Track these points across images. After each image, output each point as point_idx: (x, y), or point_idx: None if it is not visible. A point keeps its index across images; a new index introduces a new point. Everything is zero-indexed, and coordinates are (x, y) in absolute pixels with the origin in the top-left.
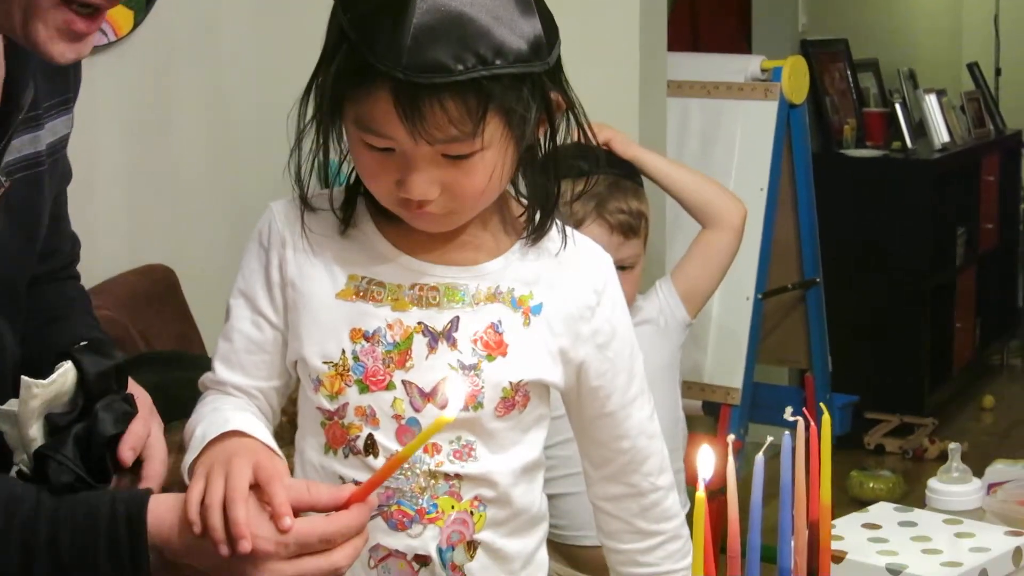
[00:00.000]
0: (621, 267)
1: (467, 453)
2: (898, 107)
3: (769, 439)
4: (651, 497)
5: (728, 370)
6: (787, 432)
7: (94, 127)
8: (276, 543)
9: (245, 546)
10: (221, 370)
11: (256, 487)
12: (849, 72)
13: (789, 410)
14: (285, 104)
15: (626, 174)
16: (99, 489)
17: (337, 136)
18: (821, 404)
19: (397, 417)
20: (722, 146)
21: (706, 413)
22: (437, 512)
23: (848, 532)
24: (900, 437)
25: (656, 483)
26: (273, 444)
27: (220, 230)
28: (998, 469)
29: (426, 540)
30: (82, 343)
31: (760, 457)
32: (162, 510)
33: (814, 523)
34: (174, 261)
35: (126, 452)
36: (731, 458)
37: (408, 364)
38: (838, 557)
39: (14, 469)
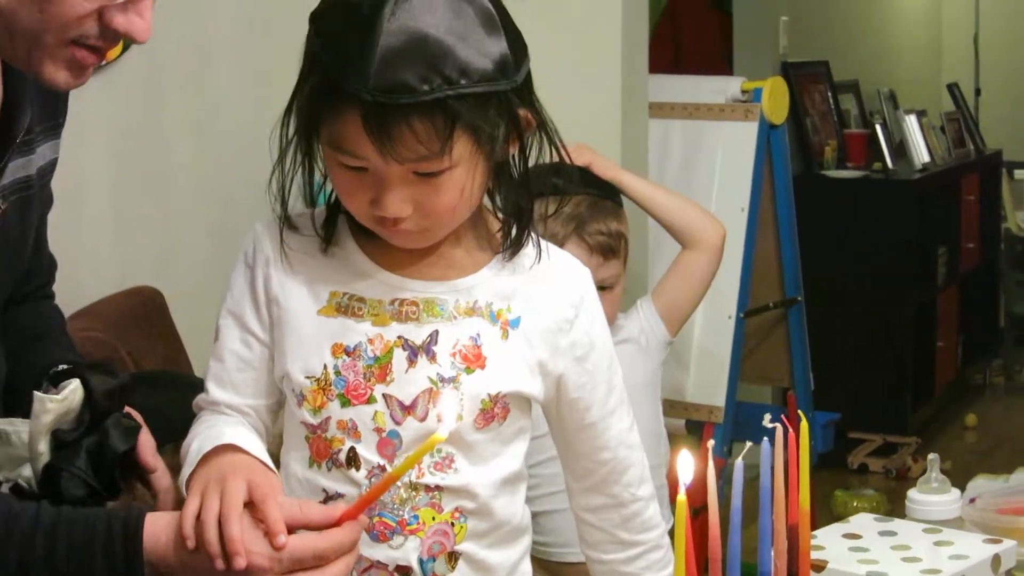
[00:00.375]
0: (601, 287)
1: (447, 465)
2: (878, 128)
3: (748, 444)
4: (632, 508)
5: (711, 389)
6: (766, 438)
7: (83, 150)
8: (271, 559)
9: (240, 562)
10: (214, 390)
11: (250, 504)
12: (830, 93)
13: (768, 417)
14: (271, 126)
15: (606, 195)
16: (114, 500)
17: (319, 156)
18: (800, 412)
19: (378, 430)
20: (703, 166)
21: (689, 432)
22: (418, 523)
23: (829, 542)
24: (883, 456)
25: (637, 494)
26: (267, 459)
27: (207, 252)
28: (979, 484)
29: (407, 551)
30: (85, 362)
31: (739, 462)
32: (157, 527)
33: (793, 527)
34: (161, 283)
35: (150, 458)
36: (711, 463)
37: (389, 378)
38: (819, 566)
39: (5, 486)
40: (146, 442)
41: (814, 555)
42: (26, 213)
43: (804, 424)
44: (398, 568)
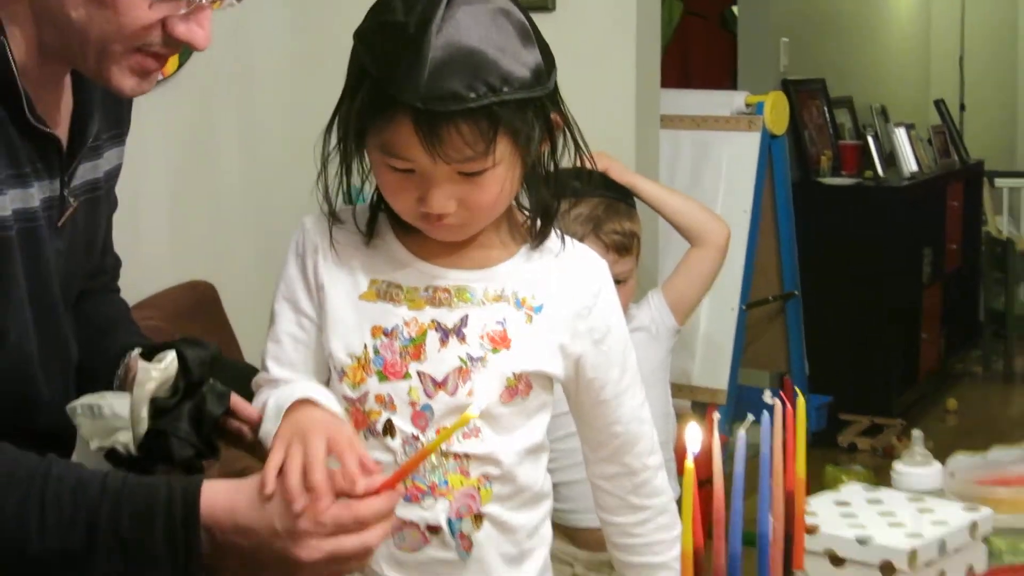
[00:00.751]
0: (616, 281)
1: (474, 434)
2: (871, 140)
3: (750, 417)
4: (642, 476)
5: (715, 373)
6: (766, 411)
7: (143, 158)
8: (316, 523)
9: (323, 504)
10: (274, 368)
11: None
12: (826, 108)
13: (768, 392)
14: (312, 136)
15: (620, 197)
16: (213, 460)
17: (360, 160)
18: (796, 388)
19: (412, 403)
20: (710, 173)
21: (695, 412)
22: (447, 487)
23: (821, 509)
24: (871, 436)
25: (647, 463)
26: (339, 411)
27: (255, 248)
28: (959, 459)
29: (437, 512)
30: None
31: (742, 433)
32: (213, 494)
33: (790, 494)
34: (215, 277)
35: (252, 412)
36: (716, 436)
37: (422, 357)
38: (812, 529)
39: (100, 453)
40: (239, 401)
41: (808, 520)
42: (95, 212)
43: (801, 400)
44: (428, 527)
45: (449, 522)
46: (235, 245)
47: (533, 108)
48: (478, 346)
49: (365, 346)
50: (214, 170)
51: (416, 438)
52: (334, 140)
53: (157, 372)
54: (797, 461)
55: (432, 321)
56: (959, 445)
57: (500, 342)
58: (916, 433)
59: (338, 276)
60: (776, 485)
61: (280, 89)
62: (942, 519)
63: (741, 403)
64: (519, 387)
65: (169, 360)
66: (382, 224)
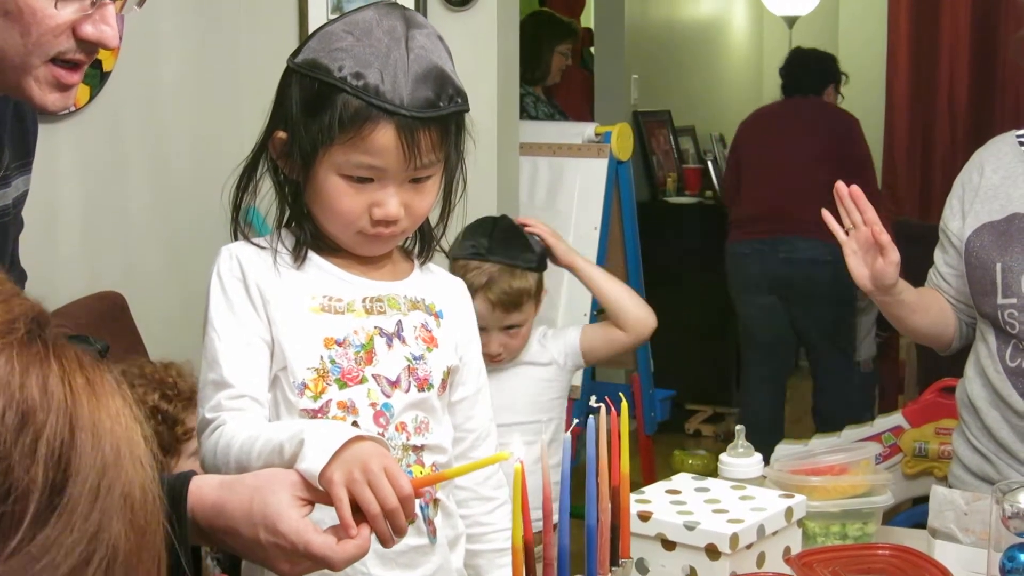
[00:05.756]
0: (510, 327)
1: (424, 428)
2: (710, 164)
3: (575, 421)
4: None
5: None
6: (592, 416)
7: (58, 180)
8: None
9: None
10: (241, 384)
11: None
12: (671, 136)
13: (593, 398)
14: (215, 162)
15: (517, 264)
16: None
17: (290, 185)
18: (620, 393)
19: (373, 404)
20: (564, 194)
21: None
22: (412, 477)
23: (654, 497)
24: (713, 424)
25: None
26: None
27: (161, 263)
28: (783, 447)
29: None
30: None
31: (567, 436)
32: (199, 490)
33: (616, 488)
34: (123, 288)
35: None
36: (544, 447)
37: (374, 360)
38: (645, 516)
39: None
40: None
41: (642, 508)
42: (3, 236)
43: (624, 405)
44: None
45: (422, 508)
46: (143, 259)
47: (462, 122)
48: (416, 346)
49: (321, 357)
50: (124, 190)
51: (381, 435)
52: (273, 160)
53: None
54: (622, 459)
55: (376, 327)
56: (789, 431)
57: (430, 342)
58: (739, 428)
59: (282, 296)
60: (602, 481)
61: (187, 119)
62: (761, 505)
63: (597, 396)
64: (448, 381)
65: None
66: (307, 250)
